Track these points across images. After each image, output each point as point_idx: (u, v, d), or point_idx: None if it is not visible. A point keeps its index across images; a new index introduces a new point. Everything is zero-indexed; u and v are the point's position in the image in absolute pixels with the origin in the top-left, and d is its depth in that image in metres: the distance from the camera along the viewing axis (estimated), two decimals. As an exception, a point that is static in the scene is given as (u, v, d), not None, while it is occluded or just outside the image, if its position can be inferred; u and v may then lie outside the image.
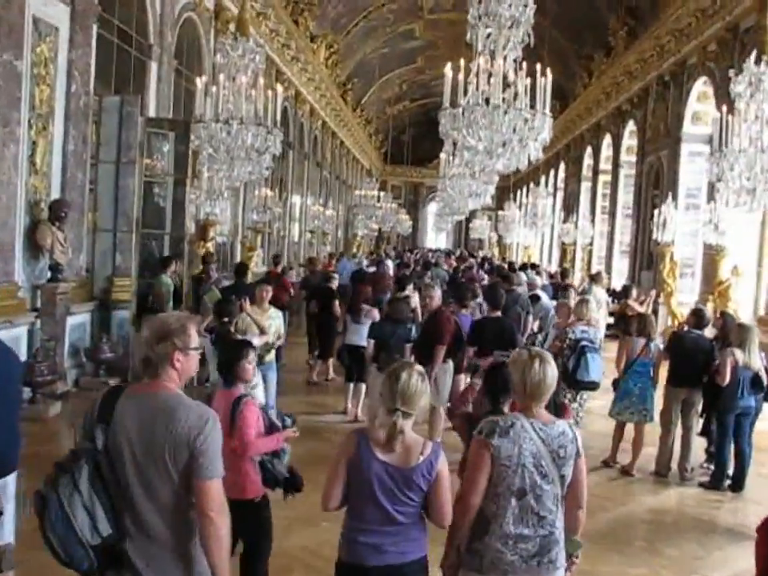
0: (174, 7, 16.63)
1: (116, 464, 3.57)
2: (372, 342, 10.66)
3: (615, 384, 10.40)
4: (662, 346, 10.44)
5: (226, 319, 8.19)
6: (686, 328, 10.53)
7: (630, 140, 28.98)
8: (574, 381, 9.73)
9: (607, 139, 32.10)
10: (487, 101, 8.89)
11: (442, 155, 22.64)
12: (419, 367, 4.31)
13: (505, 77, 9.00)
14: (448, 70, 8.96)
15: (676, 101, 23.11)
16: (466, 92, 9.00)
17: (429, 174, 59.04)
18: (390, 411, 4.13)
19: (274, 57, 25.32)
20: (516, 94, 8.93)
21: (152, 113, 15.86)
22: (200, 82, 10.32)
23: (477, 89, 8.90)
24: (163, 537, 3.61)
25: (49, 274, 11.77)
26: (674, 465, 9.95)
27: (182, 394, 3.72)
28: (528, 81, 9.07)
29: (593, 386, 9.93)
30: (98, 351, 12.82)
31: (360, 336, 11.80)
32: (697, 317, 10.21)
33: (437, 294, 10.84)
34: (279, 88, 10.64)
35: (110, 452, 3.57)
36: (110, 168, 13.69)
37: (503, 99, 8.93)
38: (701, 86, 21.71)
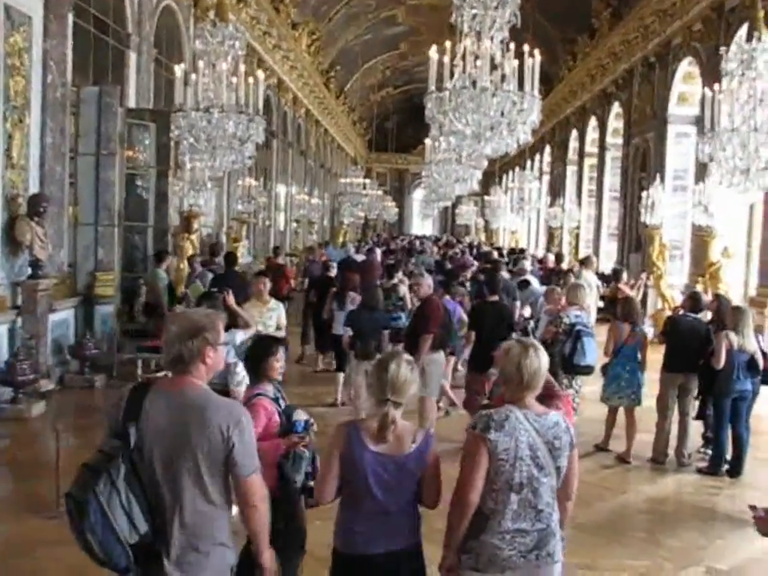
0: (151, -5, 16.34)
1: (147, 462, 3.58)
2: (349, 329, 10.56)
3: (604, 369, 10.25)
4: (650, 330, 10.32)
5: None
6: (681, 312, 10.32)
7: (615, 122, 28.84)
8: (571, 365, 9.61)
9: (593, 122, 31.94)
10: (474, 83, 8.67)
11: (427, 141, 22.37)
12: (407, 356, 4.28)
13: (492, 58, 8.80)
14: (433, 52, 8.72)
15: (661, 82, 22.93)
16: (452, 75, 8.78)
17: (414, 160, 58.81)
18: (381, 402, 4.12)
19: (256, 45, 25.03)
20: (503, 76, 8.74)
21: (132, 103, 15.58)
22: (179, 69, 10.06)
23: (463, 71, 8.69)
24: (186, 534, 3.63)
25: (29, 271, 11.49)
26: (671, 451, 9.79)
27: (210, 391, 3.75)
28: (515, 62, 8.86)
29: (589, 370, 9.85)
30: (82, 348, 12.56)
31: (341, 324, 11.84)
32: (693, 300, 10.03)
33: (426, 281, 10.62)
34: (260, 74, 10.39)
35: (140, 450, 3.58)
36: (90, 160, 13.40)
37: (490, 81, 8.72)
38: (686, 67, 21.51)
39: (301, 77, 33.41)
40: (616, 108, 28.43)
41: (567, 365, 9.59)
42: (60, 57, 12.43)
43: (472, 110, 8.51)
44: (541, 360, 4.27)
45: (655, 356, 10.18)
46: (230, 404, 3.80)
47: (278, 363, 5.56)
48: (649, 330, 20.39)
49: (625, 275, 16.41)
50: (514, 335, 11.29)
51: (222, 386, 7.10)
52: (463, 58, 8.68)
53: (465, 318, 11.85)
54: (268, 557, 3.84)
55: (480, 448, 4.12)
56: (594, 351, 9.74)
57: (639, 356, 10.05)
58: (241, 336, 7.61)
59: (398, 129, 57.99)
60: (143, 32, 15.92)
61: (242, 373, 7.09)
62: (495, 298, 10.86)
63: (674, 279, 20.67)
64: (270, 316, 10.02)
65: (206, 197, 16.11)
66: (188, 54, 17.97)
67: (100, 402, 11.76)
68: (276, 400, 5.47)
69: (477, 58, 8.76)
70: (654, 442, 9.83)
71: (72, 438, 10.17)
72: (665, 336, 10.00)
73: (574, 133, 35.14)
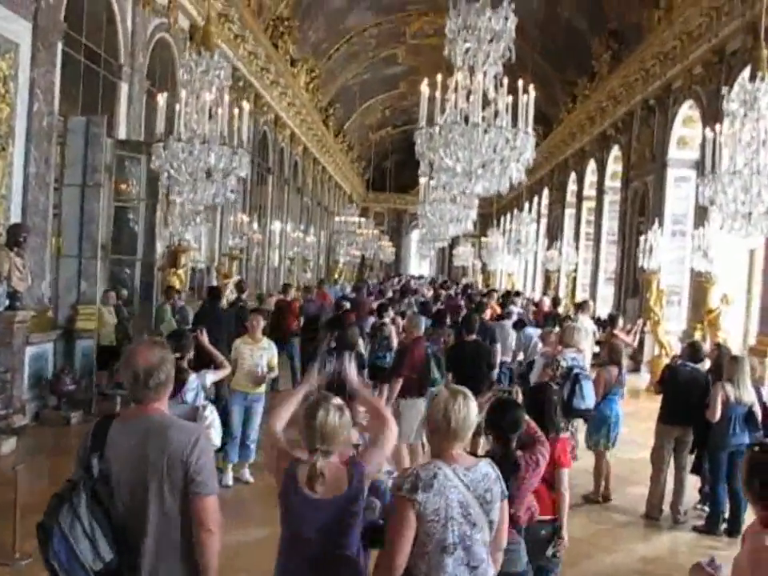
0: (146, 27, 16.14)
1: (113, 490, 3.64)
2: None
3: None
4: (646, 377, 10.06)
5: (177, 355, 7.42)
6: (680, 361, 9.94)
7: (614, 165, 28.61)
8: (570, 409, 9.31)
9: (591, 165, 31.73)
10: (466, 119, 8.38)
11: (422, 179, 22.14)
12: (337, 400, 4.15)
13: (485, 94, 8.51)
14: (424, 87, 8.46)
15: (661, 125, 22.73)
16: (443, 110, 8.48)
17: (412, 200, 58.48)
18: (311, 451, 4.03)
19: (253, 80, 24.92)
20: (497, 112, 8.43)
21: (123, 135, 15.34)
22: (161, 98, 9.76)
23: (455, 106, 8.39)
24: (154, 558, 3.67)
25: (6, 302, 11.13)
26: (666, 506, 9.38)
27: (171, 416, 3.88)
28: (509, 99, 8.58)
29: (588, 414, 9.68)
30: (59, 383, 12.18)
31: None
32: (692, 349, 9.68)
33: (417, 326, 10.46)
34: (246, 105, 10.01)
35: (107, 479, 3.64)
36: (76, 191, 13.09)
37: (483, 117, 8.42)
38: (686, 110, 21.30)
39: (299, 114, 33.28)
40: (615, 151, 28.23)
41: (566, 408, 9.05)
42: (48, 85, 12.18)
43: (463, 147, 8.21)
44: (469, 409, 4.09)
45: (649, 404, 9.82)
46: (190, 427, 3.94)
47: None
48: (645, 377, 20.20)
49: (621, 321, 16.04)
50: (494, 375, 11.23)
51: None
52: (455, 91, 8.38)
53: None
54: None
55: (407, 511, 3.93)
56: (592, 394, 9.53)
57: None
58: (211, 377, 7.25)
59: (397, 169, 57.81)
60: (136, 63, 15.70)
61: (210, 416, 6.72)
62: (472, 337, 10.88)
63: (671, 325, 20.33)
64: (261, 355, 9.83)
65: (196, 232, 15.79)
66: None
67: (75, 440, 11.36)
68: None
69: (469, 92, 8.48)
70: (648, 497, 9.43)
71: (40, 479, 9.80)
72: (662, 386, 9.63)
73: (573, 175, 34.94)
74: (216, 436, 6.76)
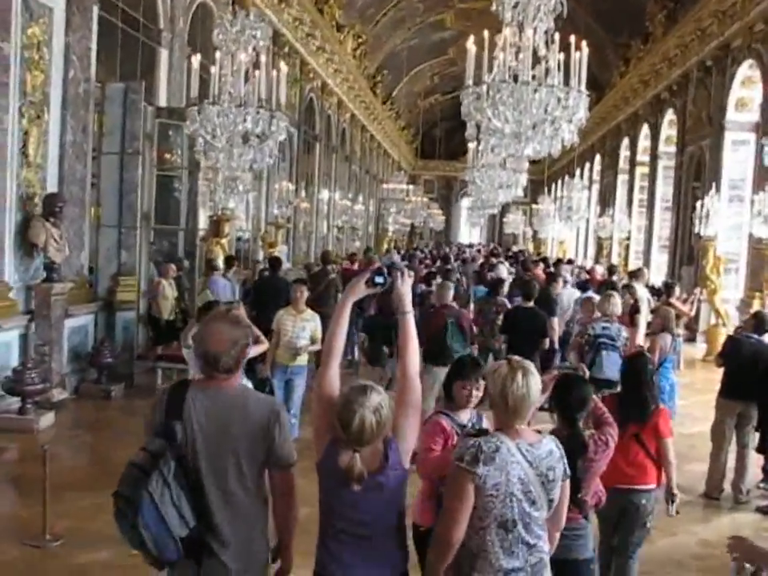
0: (186, -9, 15.77)
1: (191, 458, 3.66)
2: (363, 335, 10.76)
3: None
4: (702, 347, 9.69)
5: None
6: (743, 332, 9.39)
7: (668, 130, 27.79)
8: (591, 378, 8.81)
9: (645, 129, 30.89)
10: (515, 78, 7.89)
11: (470, 145, 21.57)
12: (374, 398, 3.63)
13: (535, 51, 8.01)
14: (470, 44, 7.95)
15: (719, 87, 21.93)
16: (491, 68, 8.01)
17: (461, 168, 57.75)
18: (347, 447, 3.64)
19: (299, 46, 24.53)
20: (547, 70, 7.93)
21: (163, 102, 15.03)
22: (195, 60, 9.38)
23: (503, 64, 7.90)
24: (232, 525, 3.72)
25: (44, 274, 10.92)
26: (727, 485, 8.88)
27: (248, 388, 4.02)
28: (561, 56, 8.07)
29: (608, 385, 8.97)
30: (99, 356, 11.95)
31: None
32: (757, 320, 9.10)
33: (443, 294, 10.48)
34: (284, 67, 9.58)
35: (185, 446, 3.66)
36: (114, 160, 12.80)
37: (533, 76, 7.93)
38: (746, 71, 20.49)
39: (346, 80, 32.81)
40: (669, 115, 27.40)
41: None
42: (83, 51, 11.88)
43: (512, 107, 7.73)
44: (529, 385, 3.82)
45: (705, 374, 9.33)
46: (269, 399, 4.01)
47: (466, 391, 5.04)
48: (701, 346, 19.60)
49: (677, 290, 15.46)
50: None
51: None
52: (503, 49, 7.90)
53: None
54: (290, 554, 3.96)
55: (466, 483, 3.72)
56: (615, 365, 8.92)
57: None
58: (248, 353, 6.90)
59: (446, 136, 57.22)
60: (176, 29, 15.35)
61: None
62: (530, 304, 11.05)
63: (728, 294, 19.67)
64: (303, 326, 9.56)
65: (238, 200, 15.46)
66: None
67: (115, 414, 11.17)
68: (463, 427, 5.00)
69: (518, 50, 7.99)
70: (707, 475, 8.92)
71: (78, 454, 9.62)
72: (723, 358, 9.10)
73: (626, 141, 34.11)
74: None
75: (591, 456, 4.80)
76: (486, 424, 5.00)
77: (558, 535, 4.14)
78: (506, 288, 14.34)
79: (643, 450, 5.93)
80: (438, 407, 5.44)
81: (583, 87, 7.93)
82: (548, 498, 3.83)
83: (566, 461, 3.93)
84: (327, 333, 3.99)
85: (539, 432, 4.09)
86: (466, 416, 5.09)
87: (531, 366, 3.92)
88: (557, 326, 12.04)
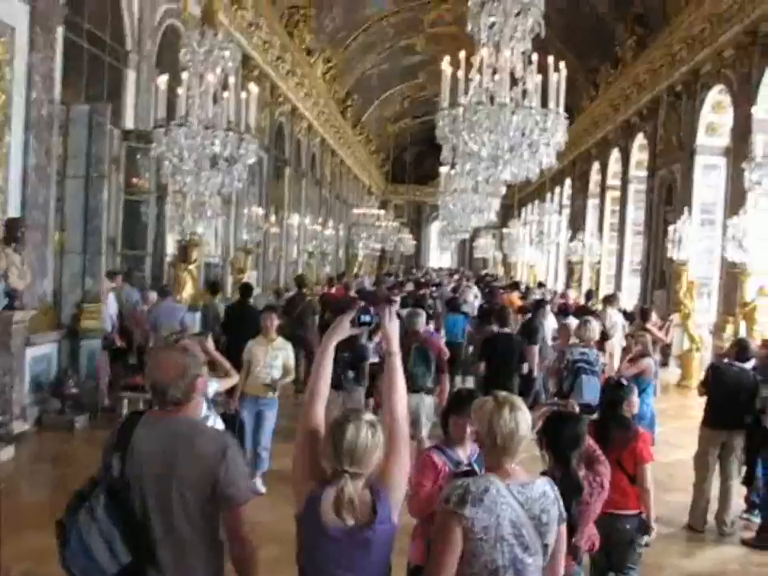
0: (154, 12, 15.48)
1: (135, 492, 3.51)
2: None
3: None
4: (677, 371, 9.67)
5: None
6: (725, 360, 9.21)
7: (639, 154, 27.84)
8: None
9: (615, 154, 30.97)
10: (492, 100, 7.70)
11: (443, 169, 21.43)
12: (369, 416, 3.52)
13: (512, 72, 7.83)
14: (446, 65, 7.78)
15: (689, 112, 21.97)
16: (467, 90, 7.81)
17: (431, 192, 57.80)
18: (337, 473, 3.39)
19: (268, 70, 24.30)
20: (525, 92, 7.74)
21: (130, 125, 14.72)
22: (162, 81, 9.10)
23: (480, 86, 7.71)
24: (177, 564, 3.54)
25: (5, 302, 10.55)
26: (711, 516, 8.67)
27: (198, 422, 3.80)
28: (539, 78, 7.90)
29: (588, 410, 8.75)
30: (63, 386, 11.57)
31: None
32: (740, 347, 8.94)
33: (411, 322, 10.22)
34: (254, 88, 9.33)
35: (128, 480, 3.52)
36: (79, 183, 12.43)
37: (510, 98, 7.74)
38: (716, 95, 20.55)
39: (316, 105, 32.63)
40: (640, 139, 27.45)
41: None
42: (47, 72, 11.56)
43: (488, 129, 7.53)
44: (518, 420, 3.61)
45: (680, 400, 9.17)
46: (218, 434, 3.82)
47: (462, 426, 4.76)
48: (675, 371, 19.48)
49: (653, 315, 15.29)
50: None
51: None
52: (480, 70, 7.70)
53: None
54: None
55: (453, 526, 3.50)
56: (594, 390, 8.87)
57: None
58: (215, 386, 6.59)
59: (416, 160, 57.27)
60: (144, 50, 15.06)
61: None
62: (506, 330, 11.40)
63: (700, 318, 19.57)
64: (276, 356, 9.25)
65: (206, 225, 15.14)
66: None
67: (79, 446, 10.79)
68: (458, 464, 4.73)
69: (495, 71, 7.80)
70: (691, 506, 8.71)
71: (41, 488, 9.25)
72: (706, 387, 8.91)
73: (596, 165, 34.16)
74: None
75: (586, 499, 4.58)
76: None
77: None
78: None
79: (625, 476, 5.86)
80: (432, 442, 5.24)
81: (561, 109, 7.75)
82: (542, 542, 3.60)
83: (561, 503, 3.71)
84: (311, 375, 3.75)
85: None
86: (464, 452, 4.83)
87: (518, 401, 3.72)
88: (536, 354, 11.99)
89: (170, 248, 15.65)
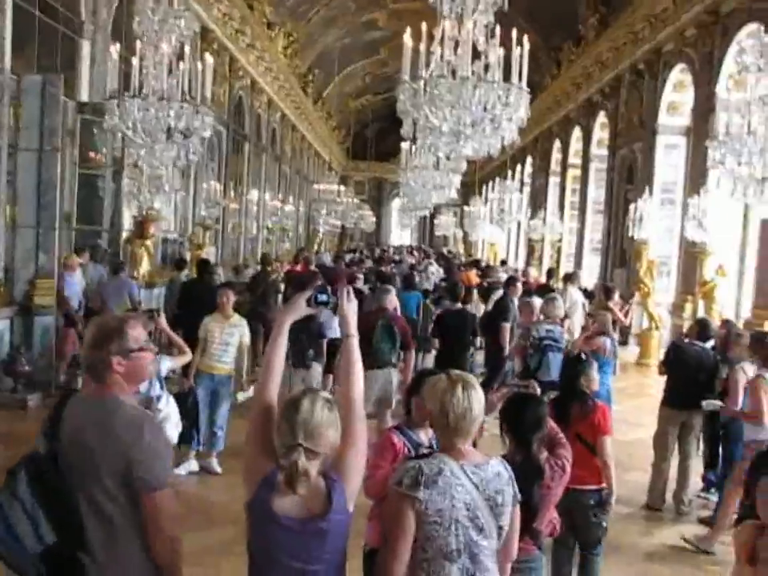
0: (109, -19, 15.11)
1: (61, 472, 3.34)
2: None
3: None
4: (635, 349, 9.65)
5: None
6: (686, 339, 9.17)
7: (601, 133, 27.84)
8: (536, 381, 8.76)
9: (576, 132, 30.95)
10: (453, 73, 7.55)
11: (403, 145, 21.24)
12: (325, 394, 3.40)
13: (474, 46, 7.68)
14: (407, 38, 7.62)
15: (651, 91, 21.95)
16: (428, 63, 7.66)
17: (392, 169, 57.61)
18: (290, 448, 3.19)
19: (227, 43, 23.95)
20: (487, 66, 7.61)
21: (85, 97, 14.37)
22: (114, 50, 8.85)
23: (441, 59, 7.56)
24: (105, 545, 3.33)
25: (-46, 277, 10.29)
26: (669, 496, 8.65)
27: (122, 402, 3.45)
28: (501, 51, 7.76)
29: (553, 386, 8.74)
30: (15, 364, 11.32)
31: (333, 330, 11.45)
32: (700, 326, 8.91)
33: (380, 298, 10.37)
34: (209, 59, 9.11)
35: (55, 458, 3.35)
36: (32, 157, 12.08)
37: (472, 72, 7.60)
38: (677, 74, 20.54)
39: (276, 79, 32.20)
40: (602, 118, 27.44)
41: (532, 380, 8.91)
42: (-5, 40, 11.23)
43: (450, 104, 7.38)
44: (471, 399, 3.50)
45: (639, 379, 9.14)
46: (137, 413, 3.49)
47: (421, 408, 4.39)
48: (634, 349, 19.55)
49: (616, 294, 15.26)
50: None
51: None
52: (441, 43, 7.55)
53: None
54: None
55: (406, 509, 3.40)
56: (558, 365, 8.94)
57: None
58: (168, 364, 6.42)
59: (378, 137, 56.95)
60: (99, 20, 14.68)
61: (165, 409, 5.93)
62: (458, 305, 11.65)
63: (660, 297, 19.64)
64: (232, 332, 9.11)
65: (164, 200, 14.88)
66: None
67: (32, 425, 10.54)
68: (418, 446, 4.54)
69: (457, 44, 7.65)
70: (649, 486, 8.71)
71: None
72: (667, 366, 8.88)
73: (557, 143, 34.13)
74: (173, 430, 5.98)
75: (548, 483, 4.46)
76: None
77: (509, 567, 3.83)
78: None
79: (587, 449, 5.86)
80: (395, 422, 5.07)
81: (524, 84, 7.63)
82: (497, 524, 3.51)
83: (515, 483, 3.60)
84: (266, 352, 3.61)
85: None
86: (426, 434, 4.64)
87: (472, 379, 3.62)
88: (507, 332, 12.01)
89: (127, 223, 15.37)
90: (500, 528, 3.53)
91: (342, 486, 3.25)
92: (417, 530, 3.40)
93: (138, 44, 8.67)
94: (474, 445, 3.78)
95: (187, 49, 8.73)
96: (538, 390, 5.06)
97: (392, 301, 10.40)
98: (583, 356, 6.61)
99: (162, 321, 6.66)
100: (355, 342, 3.57)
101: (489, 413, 4.53)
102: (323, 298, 3.60)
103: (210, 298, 9.48)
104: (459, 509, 3.40)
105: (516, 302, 12.74)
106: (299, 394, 3.31)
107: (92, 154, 14.17)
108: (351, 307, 3.59)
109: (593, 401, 6.09)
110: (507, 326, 11.97)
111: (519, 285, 13.77)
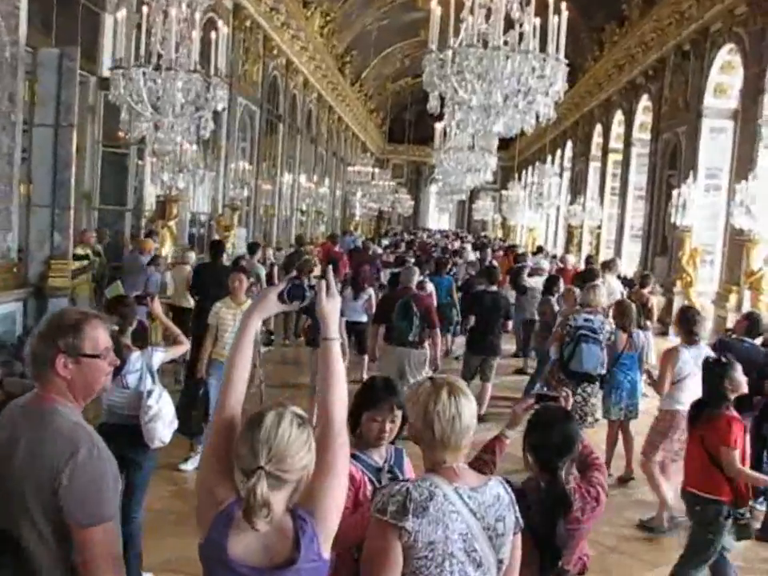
0: (133, -49, 14.59)
1: None
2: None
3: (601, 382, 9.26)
4: (676, 340, 9.15)
5: (115, 327, 5.93)
6: (734, 335, 8.51)
7: (643, 116, 27.13)
8: (569, 371, 9.01)
9: (618, 116, 30.21)
10: (485, 43, 6.95)
11: (437, 125, 20.59)
12: (296, 409, 2.70)
13: (507, 14, 7.07)
14: (435, 4, 7.02)
15: (696, 72, 21.13)
16: (457, 33, 7.06)
17: (430, 153, 56.90)
18: (250, 473, 2.53)
19: (261, 21, 23.42)
20: (521, 35, 6.99)
21: (108, 74, 13.87)
22: (120, 15, 8.32)
23: (471, 28, 6.95)
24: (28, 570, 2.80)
25: (-37, 257, 9.86)
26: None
27: (59, 412, 2.88)
28: (537, 20, 7.15)
29: (588, 378, 8.96)
30: (25, 348, 10.87)
31: (358, 312, 12.87)
32: (750, 322, 8.23)
33: (405, 278, 10.62)
34: (223, 27, 8.57)
35: None
36: (48, 133, 11.56)
37: (505, 42, 7.00)
38: (725, 55, 19.72)
39: (312, 59, 31.68)
40: (644, 101, 26.67)
41: (565, 370, 9.04)
42: (10, 10, 10.70)
43: (480, 76, 6.78)
44: (461, 406, 2.96)
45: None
46: (73, 432, 2.85)
47: (377, 424, 3.77)
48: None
49: (652, 282, 14.57)
50: None
51: (134, 421, 5.48)
52: (471, 9, 6.94)
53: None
54: None
55: (392, 542, 2.84)
56: (596, 357, 8.93)
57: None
58: (161, 356, 5.86)
59: (416, 120, 56.29)
60: (122, -7, 14.18)
61: (156, 406, 5.40)
62: (493, 288, 11.94)
63: (702, 287, 18.90)
64: None
65: (188, 179, 14.36)
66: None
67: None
68: (378, 472, 3.76)
69: (489, 12, 7.04)
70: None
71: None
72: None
73: (598, 127, 33.37)
74: (165, 429, 5.45)
75: (576, 515, 3.70)
76: (408, 463, 3.94)
77: None
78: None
79: (707, 455, 5.71)
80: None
81: (562, 55, 7.00)
82: (496, 557, 2.95)
83: (517, 508, 3.03)
84: (227, 358, 3.00)
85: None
86: (380, 455, 3.85)
87: (461, 383, 3.06)
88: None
89: (149, 204, 14.93)
90: (500, 562, 2.98)
91: (315, 526, 2.61)
92: (404, 566, 2.86)
93: (145, 10, 8.14)
94: (489, 465, 3.19)
95: (197, 16, 8.18)
96: (570, 401, 4.33)
97: (414, 281, 10.69)
98: (723, 359, 6.10)
99: (157, 306, 6.10)
100: (335, 345, 2.93)
101: (513, 427, 3.93)
102: (298, 292, 2.99)
103: (225, 283, 8.96)
104: (454, 540, 2.86)
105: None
106: (263, 409, 2.68)
107: (121, 133, 13.70)
108: (332, 305, 2.95)
109: (726, 408, 5.74)
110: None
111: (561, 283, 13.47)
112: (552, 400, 3.92)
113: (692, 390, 7.14)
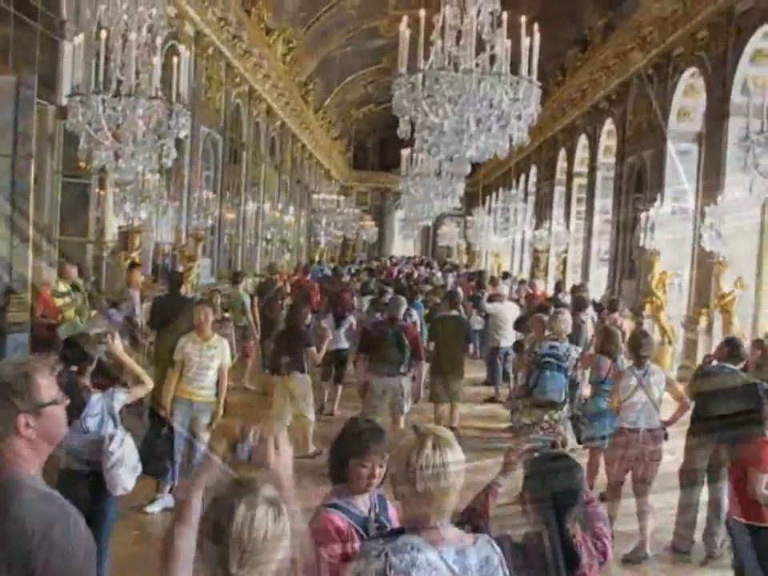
0: (93, -21, 14.32)
1: None
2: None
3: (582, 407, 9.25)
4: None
5: (74, 368, 5.63)
6: (714, 362, 8.35)
7: (607, 140, 27.19)
8: (532, 400, 9.00)
9: (582, 140, 30.30)
10: (456, 66, 6.76)
11: (403, 152, 20.46)
12: (268, 492, 2.28)
13: (479, 36, 6.89)
14: (403, 27, 6.84)
15: (660, 96, 21.16)
16: (427, 56, 6.87)
17: (395, 179, 56.95)
18: None
19: (223, 49, 23.19)
20: (493, 57, 6.81)
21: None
22: (78, 40, 8.06)
23: (442, 51, 6.77)
24: None
25: None
26: (698, 535, 7.79)
27: (23, 483, 2.54)
28: (509, 43, 6.98)
29: (551, 406, 8.85)
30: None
31: (342, 340, 13.07)
32: (731, 347, 8.04)
33: (392, 308, 10.92)
34: (184, 52, 8.33)
35: None
36: (5, 163, 11.28)
37: (476, 64, 6.81)
38: (688, 79, 19.81)
39: (276, 87, 31.46)
40: (608, 125, 26.74)
41: (531, 397, 9.01)
42: (-35, 39, 10.45)
43: (451, 99, 6.58)
44: (446, 459, 2.66)
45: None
46: (46, 502, 2.56)
47: (366, 470, 3.48)
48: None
49: (621, 305, 14.46)
50: None
51: (95, 467, 5.17)
52: (442, 32, 6.76)
53: None
54: None
55: None
56: (559, 386, 8.83)
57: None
58: (122, 398, 5.55)
59: (381, 147, 56.36)
60: (82, 21, 13.88)
61: (118, 451, 5.09)
62: (454, 312, 12.28)
63: (670, 310, 18.81)
64: (212, 356, 8.23)
65: (151, 210, 14.05)
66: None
67: None
68: (365, 521, 3.45)
69: (460, 34, 6.86)
70: (675, 526, 7.82)
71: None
72: (692, 391, 8.04)
73: (562, 152, 33.44)
74: (128, 475, 5.15)
75: (584, 571, 3.35)
76: (392, 509, 3.62)
77: None
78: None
79: (739, 478, 5.85)
80: (328, 496, 3.64)
81: (535, 77, 6.83)
82: None
83: (506, 567, 2.74)
84: (166, 538, 2.51)
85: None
86: (365, 503, 3.58)
87: (447, 434, 2.77)
88: None
89: (110, 235, 14.58)
90: None
91: None
92: None
93: (103, 34, 7.87)
94: (482, 519, 2.91)
95: (159, 41, 7.92)
96: (568, 447, 3.94)
97: (402, 311, 10.92)
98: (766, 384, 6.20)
99: (117, 345, 5.76)
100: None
101: (506, 474, 3.60)
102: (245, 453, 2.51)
103: (185, 316, 8.60)
104: None
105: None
106: (228, 493, 2.29)
107: (81, 163, 13.40)
108: (282, 463, 2.50)
109: (760, 432, 5.74)
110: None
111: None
112: (551, 446, 3.64)
113: (636, 410, 7.50)
